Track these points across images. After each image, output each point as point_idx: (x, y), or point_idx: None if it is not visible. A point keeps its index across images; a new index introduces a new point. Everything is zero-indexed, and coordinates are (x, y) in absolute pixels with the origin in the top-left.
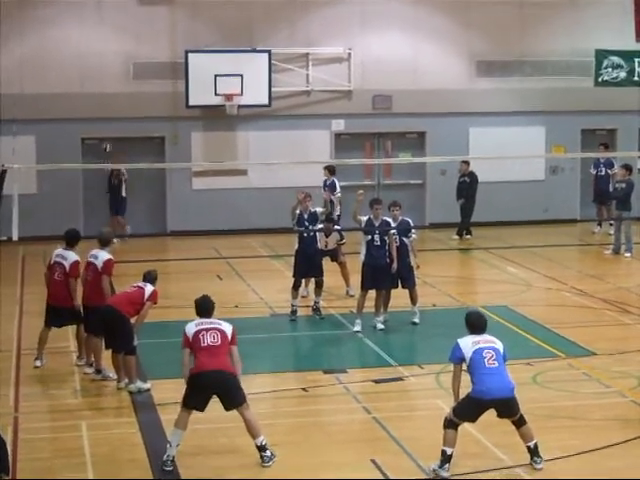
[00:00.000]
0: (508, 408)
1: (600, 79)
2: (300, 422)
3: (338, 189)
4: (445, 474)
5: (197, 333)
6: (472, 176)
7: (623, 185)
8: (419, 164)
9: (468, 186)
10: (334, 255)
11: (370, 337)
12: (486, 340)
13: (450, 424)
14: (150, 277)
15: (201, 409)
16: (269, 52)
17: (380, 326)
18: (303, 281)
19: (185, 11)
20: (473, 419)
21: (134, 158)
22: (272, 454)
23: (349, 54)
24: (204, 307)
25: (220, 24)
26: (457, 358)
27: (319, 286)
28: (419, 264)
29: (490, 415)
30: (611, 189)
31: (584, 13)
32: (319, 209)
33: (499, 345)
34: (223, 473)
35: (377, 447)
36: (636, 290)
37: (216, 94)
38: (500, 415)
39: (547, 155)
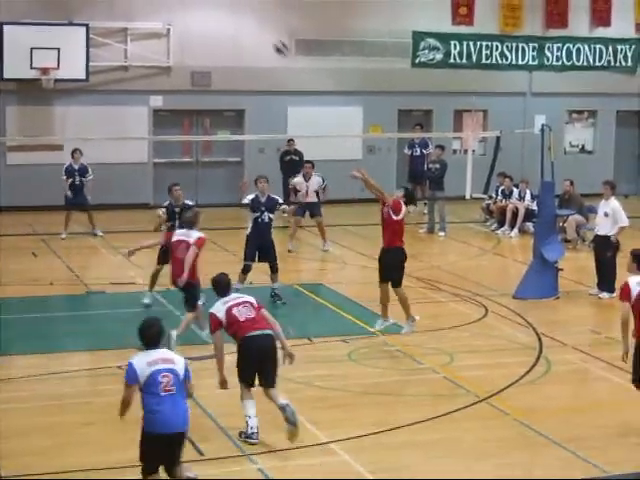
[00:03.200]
0: (178, 445)
1: (417, 61)
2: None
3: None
4: None
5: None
6: (299, 154)
7: (437, 165)
8: (238, 142)
9: (298, 163)
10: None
11: None
12: (164, 359)
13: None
14: (184, 221)
15: None
16: (87, 26)
17: None
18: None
19: None
20: (154, 466)
21: None
22: None
23: (168, 30)
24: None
25: None
26: (132, 379)
27: (275, 271)
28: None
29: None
30: (425, 169)
31: None
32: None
33: (179, 365)
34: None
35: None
36: (448, 268)
37: (32, 67)
38: (165, 452)
39: (364, 135)
